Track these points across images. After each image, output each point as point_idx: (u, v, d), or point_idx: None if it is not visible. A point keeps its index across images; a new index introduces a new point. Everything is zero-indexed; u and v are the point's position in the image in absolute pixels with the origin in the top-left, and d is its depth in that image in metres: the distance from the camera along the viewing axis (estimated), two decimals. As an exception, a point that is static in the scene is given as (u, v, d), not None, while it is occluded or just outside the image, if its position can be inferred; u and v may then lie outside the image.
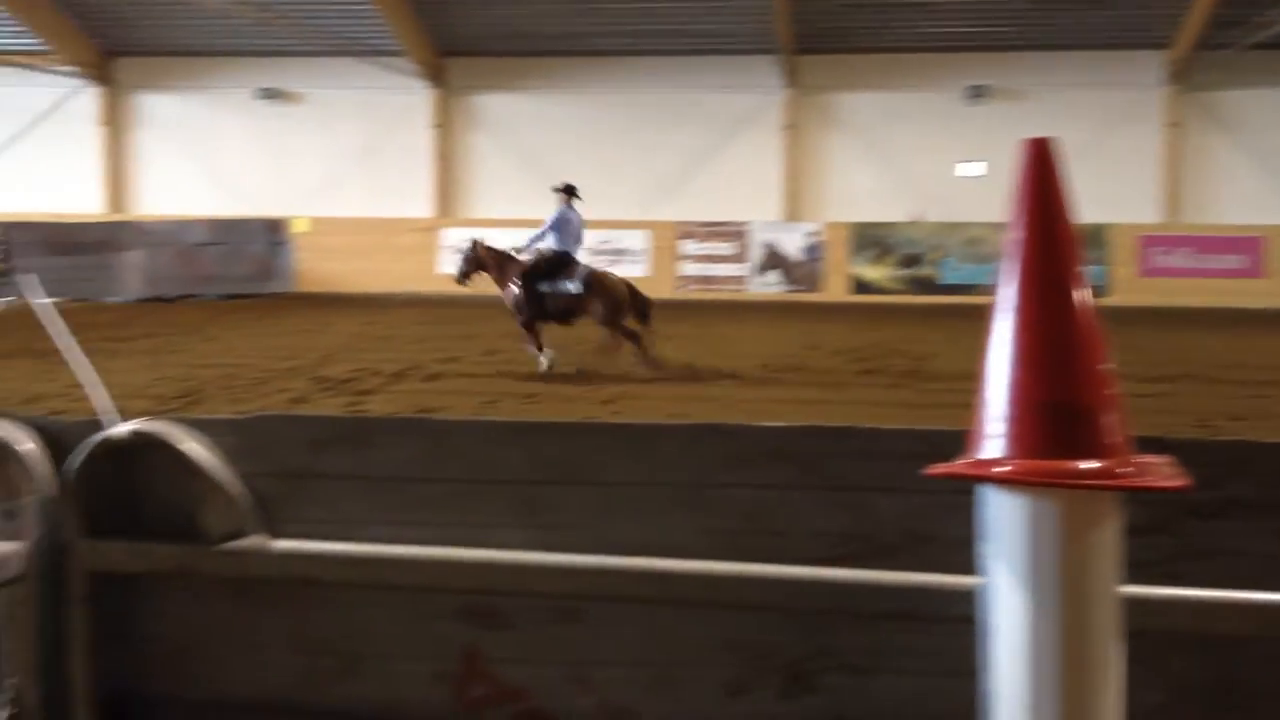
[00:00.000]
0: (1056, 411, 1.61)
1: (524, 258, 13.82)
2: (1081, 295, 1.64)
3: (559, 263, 13.55)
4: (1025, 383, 1.63)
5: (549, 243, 13.78)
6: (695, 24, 25.12)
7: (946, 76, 25.67)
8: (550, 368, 12.96)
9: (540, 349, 13.24)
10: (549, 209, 26.65)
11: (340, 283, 26.13)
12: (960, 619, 1.95)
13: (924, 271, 25.35)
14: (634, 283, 13.86)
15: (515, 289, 13.53)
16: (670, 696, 2.20)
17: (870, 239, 25.46)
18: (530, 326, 13.43)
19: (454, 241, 26.53)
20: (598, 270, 13.75)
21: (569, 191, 13.92)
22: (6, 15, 25.78)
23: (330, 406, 10.63)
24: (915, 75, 25.74)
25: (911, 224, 25.59)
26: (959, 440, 1.81)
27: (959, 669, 1.98)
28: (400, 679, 2.28)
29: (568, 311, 13.47)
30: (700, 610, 2.15)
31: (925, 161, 25.90)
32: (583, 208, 14.19)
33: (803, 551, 2.10)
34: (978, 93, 25.58)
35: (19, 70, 27.35)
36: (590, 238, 26.27)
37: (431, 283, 26.00)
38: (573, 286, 13.30)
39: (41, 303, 2.26)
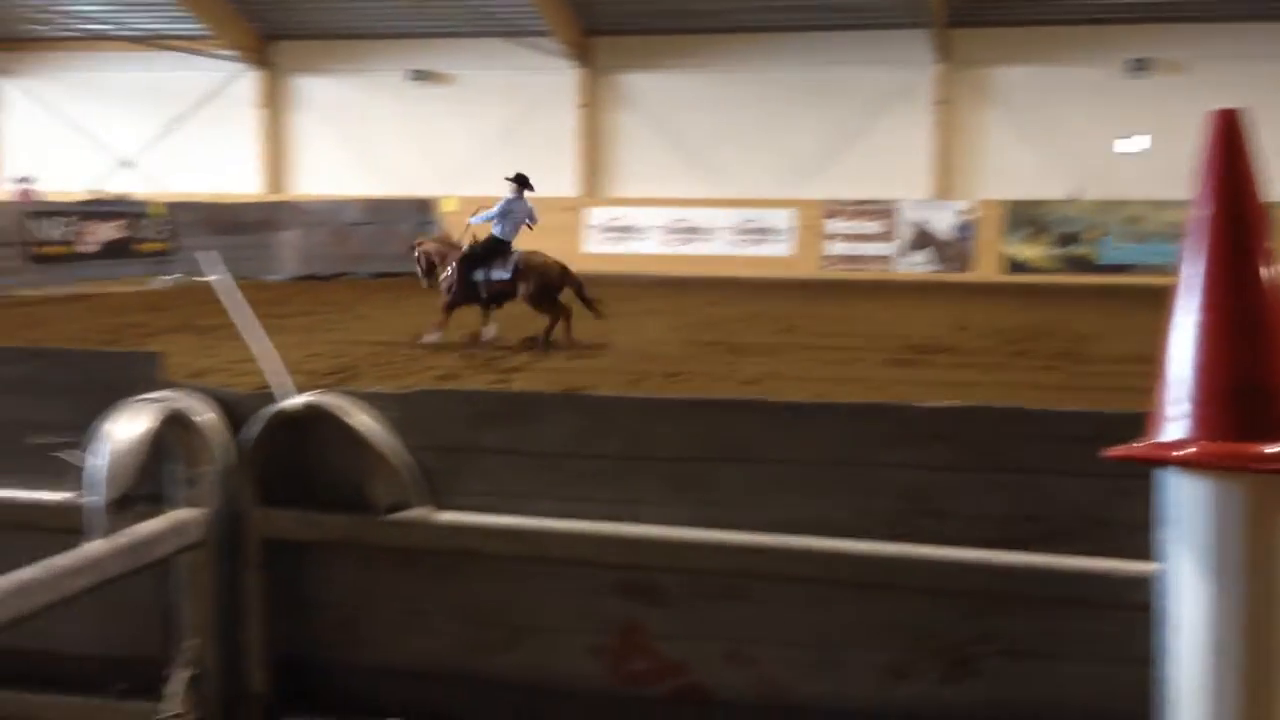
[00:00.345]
0: (1243, 393, 1.55)
1: (465, 244, 14.14)
2: (1271, 274, 1.57)
3: (495, 250, 13.85)
4: (1210, 364, 1.57)
5: (495, 229, 14.05)
6: (844, -1, 24.83)
7: (1106, 49, 24.86)
8: (431, 342, 13.33)
9: (440, 330, 13.57)
10: (694, 187, 26.43)
11: (488, 261, 26.48)
12: (1132, 605, 1.90)
13: (1081, 251, 24.65)
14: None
15: (450, 271, 13.87)
16: (830, 677, 2.18)
17: (1025, 217, 24.84)
18: (450, 309, 13.76)
19: (599, 220, 26.72)
20: (528, 252, 13.96)
21: (520, 182, 14.25)
22: (171, 3, 26.70)
23: (478, 383, 10.78)
24: (1073, 48, 24.99)
25: (1068, 201, 24.89)
26: (1132, 423, 1.76)
27: (1128, 656, 1.93)
28: (559, 651, 2.30)
29: (501, 294, 13.79)
30: (861, 591, 2.13)
31: (1083, 137, 25.15)
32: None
33: (966, 534, 2.07)
34: (1139, 65, 24.73)
35: (182, 55, 28.31)
36: (733, 217, 26.34)
37: (576, 261, 26.15)
38: (505, 273, 13.61)
39: (224, 281, 2.34)
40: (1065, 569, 1.98)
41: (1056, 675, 2.10)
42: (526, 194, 14.26)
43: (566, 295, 13.63)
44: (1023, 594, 2.04)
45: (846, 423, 2.13)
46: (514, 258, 13.71)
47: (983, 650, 2.11)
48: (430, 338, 13.45)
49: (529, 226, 14.35)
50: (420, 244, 14.88)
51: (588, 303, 13.59)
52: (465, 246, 14.04)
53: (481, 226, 14.35)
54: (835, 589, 2.14)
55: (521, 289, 13.35)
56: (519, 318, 13.95)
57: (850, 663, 2.17)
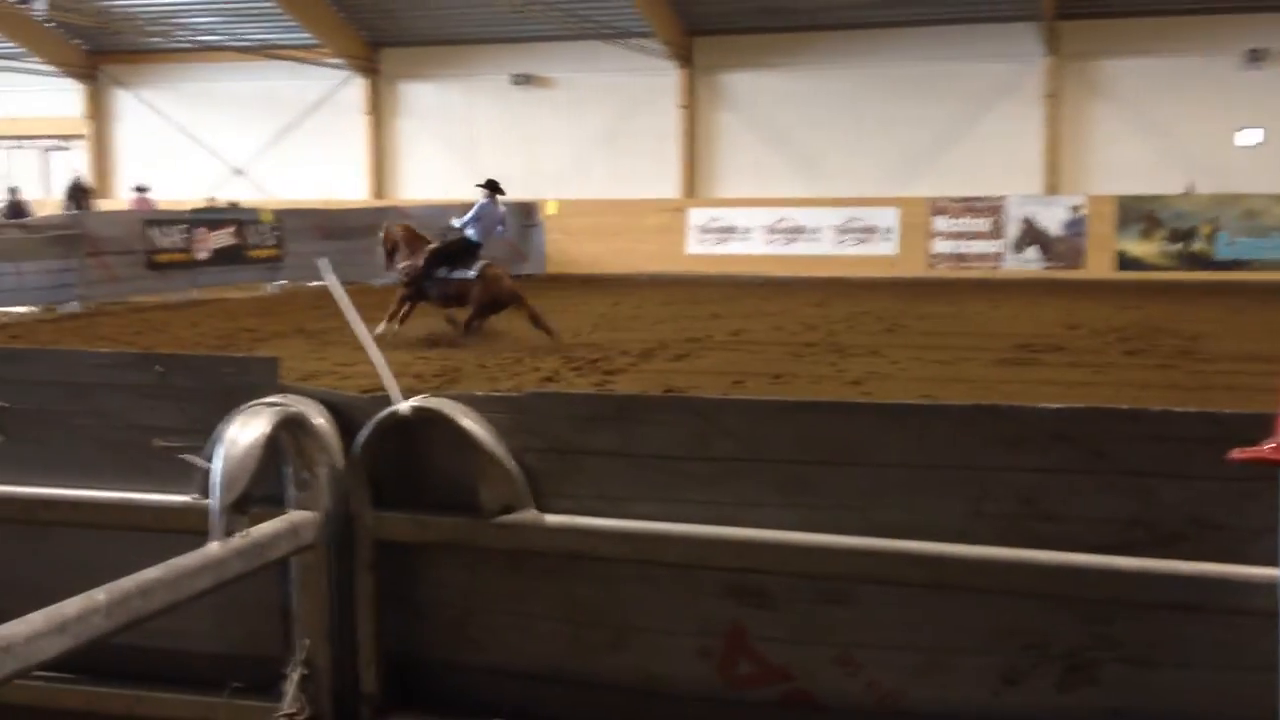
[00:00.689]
0: (1377, 395, 1.50)
1: (434, 243, 14.48)
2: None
3: (465, 250, 14.19)
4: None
5: (469, 231, 14.41)
6: (948, -8, 24.51)
7: (1222, 39, 24.19)
8: (383, 335, 13.33)
9: (390, 322, 13.90)
10: (796, 187, 26.32)
11: (589, 264, 26.63)
12: (1253, 611, 1.84)
13: (1196, 246, 24.01)
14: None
15: (418, 263, 14.19)
16: (940, 682, 2.15)
17: (1137, 212, 24.27)
18: (406, 300, 14.13)
19: (700, 221, 26.68)
20: (494, 265, 14.43)
21: (491, 188, 14.81)
22: (281, 13, 27.27)
23: (580, 385, 10.84)
24: (1187, 38, 24.36)
25: (1182, 196, 24.28)
26: (1254, 423, 1.71)
27: (1249, 663, 1.87)
28: (666, 653, 2.30)
29: (457, 296, 14.09)
30: (972, 595, 2.10)
31: (1198, 130, 24.50)
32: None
33: (1083, 538, 2.02)
34: (1256, 56, 24.02)
35: (292, 64, 28.91)
36: (837, 216, 26.11)
37: (679, 263, 26.22)
38: (470, 272, 13.94)
39: (338, 286, 2.38)
40: (1184, 574, 1.93)
41: (1175, 682, 2.04)
42: (499, 199, 14.89)
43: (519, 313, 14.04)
44: (1140, 599, 1.99)
45: (960, 425, 2.10)
46: (480, 263, 14.11)
47: (1099, 657, 2.06)
48: (381, 329, 13.65)
49: (500, 234, 15.24)
50: (388, 229, 15.22)
51: (539, 324, 13.79)
52: (436, 242, 14.43)
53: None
54: (945, 594, 2.11)
55: (474, 293, 13.73)
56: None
57: (961, 668, 2.14)
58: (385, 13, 27.98)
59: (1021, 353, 12.79)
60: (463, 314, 14.22)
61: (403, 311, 14.21)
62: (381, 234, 15.22)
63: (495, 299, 14.02)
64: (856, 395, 10.19)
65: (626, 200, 27.33)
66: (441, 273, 14.10)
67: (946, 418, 2.10)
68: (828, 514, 2.15)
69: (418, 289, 14.21)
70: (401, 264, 14.54)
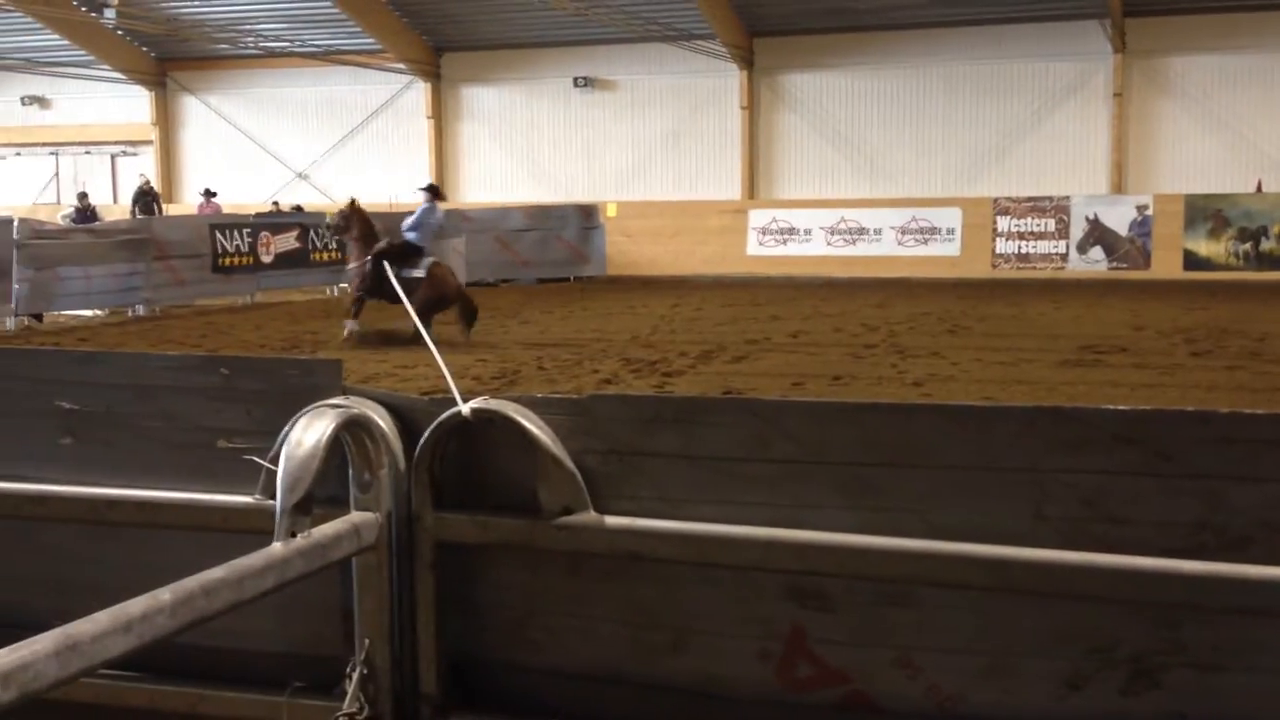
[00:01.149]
0: None
1: (381, 245, 15.11)
2: None
3: (409, 252, 14.87)
4: None
5: (411, 235, 15.11)
6: (1012, -9, 24.28)
7: (1291, 35, 23.81)
8: (350, 335, 14.66)
9: (354, 318, 14.89)
10: (859, 187, 26.23)
11: (649, 265, 26.67)
12: (1327, 619, 1.81)
13: (1265, 246, 23.61)
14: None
15: (366, 265, 14.84)
16: (1003, 687, 2.13)
17: (1205, 211, 23.92)
18: (361, 300, 14.89)
19: (761, 222, 26.63)
20: (438, 263, 15.02)
21: (432, 191, 15.58)
22: (345, 19, 27.57)
23: (639, 387, 10.86)
24: (1256, 34, 23.97)
25: (1252, 195, 23.89)
26: (1328, 426, 1.67)
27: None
28: (726, 656, 2.30)
29: (407, 293, 14.45)
30: (1034, 599, 2.07)
31: (1267, 127, 24.11)
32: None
33: (1149, 542, 2.00)
34: (1326, 51, 23.61)
35: (355, 70, 29.23)
36: (899, 216, 25.94)
37: (739, 264, 26.19)
38: (418, 272, 14.53)
39: (398, 288, 2.39)
40: (1252, 578, 1.90)
41: (1243, 688, 2.01)
42: (439, 203, 15.66)
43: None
44: (1207, 603, 1.96)
45: (1023, 426, 2.08)
46: (426, 261, 14.79)
47: (1164, 661, 2.03)
48: (348, 327, 14.79)
49: (436, 227, 15.79)
50: (354, 208, 15.64)
51: (467, 320, 14.63)
52: (383, 242, 15.06)
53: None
54: (1007, 597, 2.09)
55: (421, 291, 14.17)
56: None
57: (1023, 672, 2.12)
58: (448, 18, 28.22)
59: (1085, 354, 12.64)
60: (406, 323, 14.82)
61: (356, 310, 15.02)
62: (343, 212, 15.75)
63: (442, 295, 14.60)
64: (917, 397, 10.12)
65: (687, 202, 27.36)
66: (390, 271, 14.60)
67: (1008, 419, 2.08)
68: (888, 516, 2.14)
69: (367, 288, 14.88)
70: (351, 265, 15.38)
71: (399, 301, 15.14)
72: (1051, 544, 2.04)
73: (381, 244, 14.94)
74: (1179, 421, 1.98)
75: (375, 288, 14.69)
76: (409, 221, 15.24)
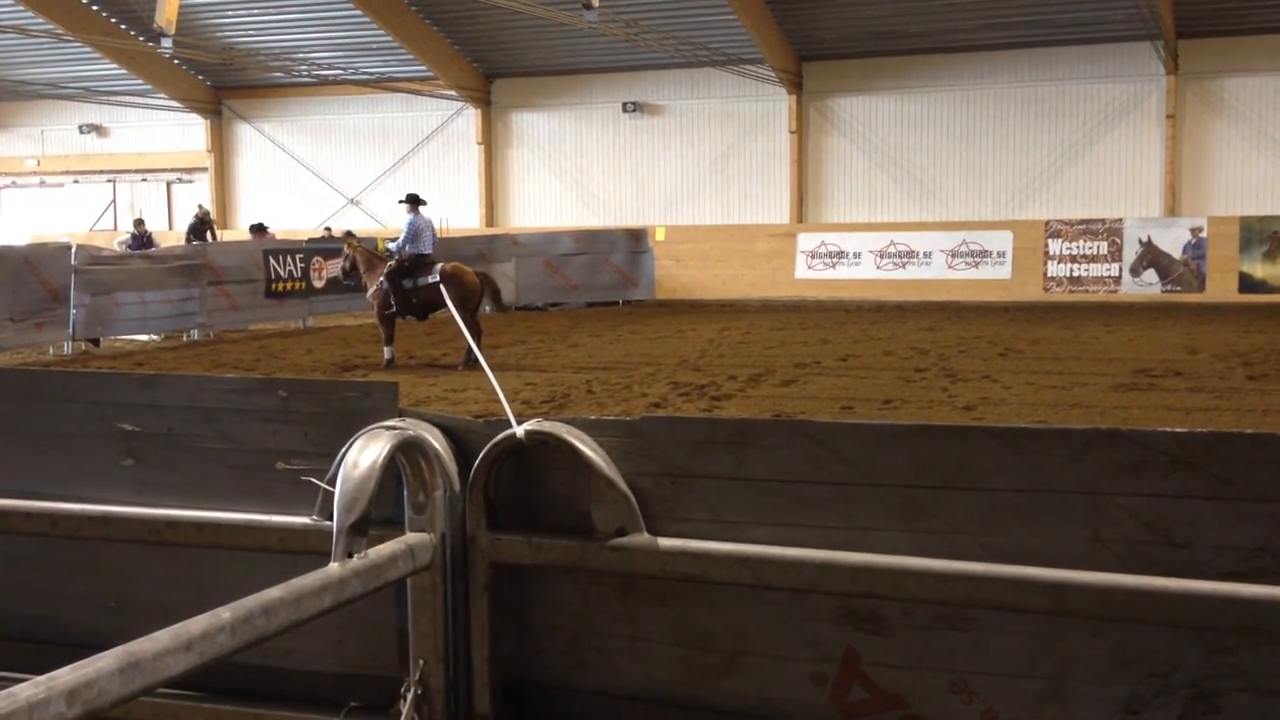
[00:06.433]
0: None
1: (390, 263, 15.22)
2: None
3: (418, 262, 14.96)
4: None
5: (408, 250, 15.10)
6: (1063, 12, 24.10)
7: (1349, 55, 23.53)
8: (391, 361, 14.79)
9: (390, 343, 14.98)
10: (908, 210, 26.12)
11: (698, 289, 26.69)
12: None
13: (1322, 268, 23.29)
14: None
15: (382, 285, 14.97)
16: (1060, 712, 2.11)
17: (1260, 234, 23.62)
18: (390, 320, 14.98)
19: (810, 246, 26.57)
20: (451, 263, 15.25)
21: (412, 201, 15.44)
22: (398, 47, 27.86)
23: (688, 411, 10.85)
24: (1310, 55, 23.71)
25: (1306, 217, 23.57)
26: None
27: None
28: (779, 678, 2.29)
29: (427, 304, 14.92)
30: (1092, 623, 2.05)
31: (1324, 148, 23.81)
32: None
33: (1208, 565, 1.98)
34: (1384, 71, 23.29)
35: (406, 97, 29.51)
36: (949, 240, 25.80)
37: (788, 288, 26.15)
38: (432, 277, 14.63)
39: (455, 313, 2.42)
40: (1317, 604, 1.87)
41: (1308, 716, 1.98)
42: (423, 210, 15.59)
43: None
44: (1267, 628, 1.93)
45: (1080, 450, 2.06)
46: (437, 266, 14.91)
47: (1224, 686, 2.01)
48: (387, 353, 14.95)
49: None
50: (351, 247, 16.09)
51: (495, 300, 15.17)
52: (392, 260, 15.19)
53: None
54: (1064, 621, 2.07)
55: (448, 294, 14.13)
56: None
57: (1081, 697, 2.10)
58: (499, 45, 28.44)
59: (1140, 378, 12.51)
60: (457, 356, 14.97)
61: (387, 333, 15.13)
62: (345, 251, 16.18)
63: (470, 291, 14.72)
64: (969, 420, 10.04)
65: (735, 225, 27.37)
66: (407, 283, 14.90)
67: (1064, 442, 2.07)
68: (943, 539, 2.13)
69: (394, 306, 15.00)
70: (370, 291, 15.43)
71: (426, 316, 15.38)
72: (1109, 568, 2.02)
73: (391, 262, 15.12)
74: (1238, 444, 1.96)
75: (402, 306, 14.88)
76: (400, 239, 15.35)
